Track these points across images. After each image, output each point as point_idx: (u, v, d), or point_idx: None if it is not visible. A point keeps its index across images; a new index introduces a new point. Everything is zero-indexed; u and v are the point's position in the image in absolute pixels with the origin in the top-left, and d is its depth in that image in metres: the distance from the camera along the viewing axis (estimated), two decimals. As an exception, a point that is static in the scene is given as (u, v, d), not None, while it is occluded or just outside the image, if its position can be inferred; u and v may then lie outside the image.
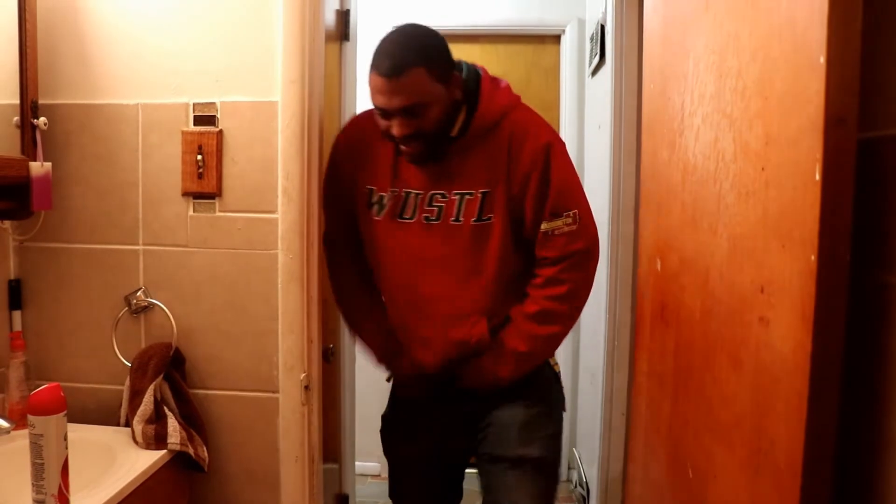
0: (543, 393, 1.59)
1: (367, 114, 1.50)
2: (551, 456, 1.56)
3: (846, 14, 0.75)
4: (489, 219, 1.44)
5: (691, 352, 1.24)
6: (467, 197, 1.44)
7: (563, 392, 1.65)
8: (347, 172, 1.54)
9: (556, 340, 1.54)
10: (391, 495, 1.71)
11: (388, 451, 1.70)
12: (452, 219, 1.45)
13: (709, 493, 1.13)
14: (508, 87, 1.51)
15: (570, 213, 1.43)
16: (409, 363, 1.56)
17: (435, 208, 1.46)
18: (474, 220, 1.44)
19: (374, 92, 1.35)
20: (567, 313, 1.51)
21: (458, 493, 1.74)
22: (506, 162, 1.42)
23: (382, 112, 1.37)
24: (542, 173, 1.41)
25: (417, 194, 1.47)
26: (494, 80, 1.49)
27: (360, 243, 1.58)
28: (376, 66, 1.33)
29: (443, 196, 1.45)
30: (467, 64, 1.49)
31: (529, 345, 1.48)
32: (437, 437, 1.60)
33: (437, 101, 1.36)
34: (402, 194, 1.48)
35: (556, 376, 1.62)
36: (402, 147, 1.41)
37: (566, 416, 1.64)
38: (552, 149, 1.42)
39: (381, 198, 1.50)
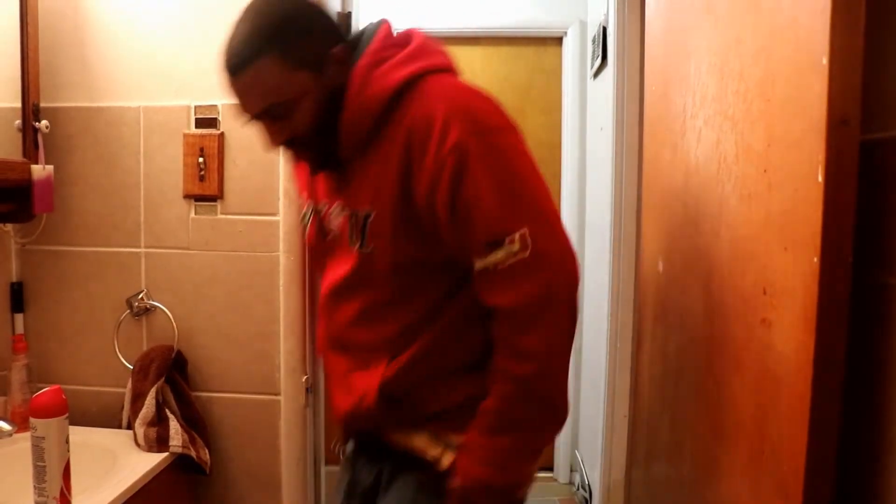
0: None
1: None
2: None
3: (849, 15, 0.75)
4: (371, 250, 1.04)
5: (693, 354, 1.24)
6: (354, 217, 1.07)
7: None
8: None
9: (530, 454, 1.04)
10: None
11: None
12: (347, 242, 1.09)
13: (712, 495, 1.13)
14: (410, 54, 1.03)
15: (514, 235, 0.93)
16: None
17: (333, 225, 1.12)
18: (359, 248, 1.06)
19: (230, 94, 1.02)
20: (547, 409, 1.00)
21: None
22: (402, 174, 0.99)
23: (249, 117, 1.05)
24: (450, 189, 0.95)
25: (325, 206, 1.14)
26: (383, 51, 1.02)
27: None
28: (221, 60, 1.00)
29: (341, 210, 1.10)
30: (375, 26, 1.07)
31: (489, 469, 0.99)
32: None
33: (306, 94, 0.99)
34: (319, 207, 1.16)
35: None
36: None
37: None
38: (466, 151, 0.94)
39: (308, 209, 1.21)
